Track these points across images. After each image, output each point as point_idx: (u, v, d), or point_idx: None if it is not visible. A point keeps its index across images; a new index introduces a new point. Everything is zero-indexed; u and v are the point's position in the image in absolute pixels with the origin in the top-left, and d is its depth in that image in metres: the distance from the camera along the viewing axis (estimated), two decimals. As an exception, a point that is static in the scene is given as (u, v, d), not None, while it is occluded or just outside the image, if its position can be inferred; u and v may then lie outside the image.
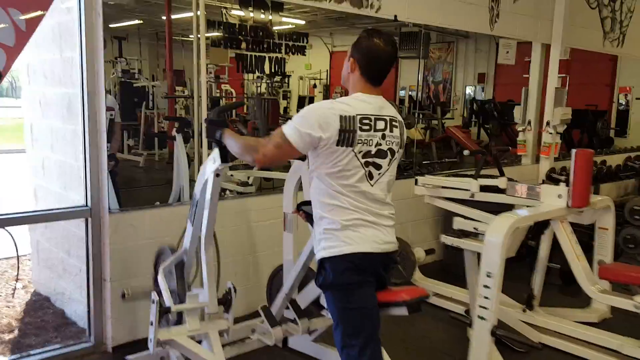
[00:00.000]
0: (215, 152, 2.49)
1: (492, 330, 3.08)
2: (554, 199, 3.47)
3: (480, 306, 3.13)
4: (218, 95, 8.33)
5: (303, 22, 9.41)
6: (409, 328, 3.86)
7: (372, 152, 2.15)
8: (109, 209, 3.23)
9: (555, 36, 5.90)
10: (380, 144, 2.18)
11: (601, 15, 6.57)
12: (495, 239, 3.09)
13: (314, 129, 2.07)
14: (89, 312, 3.32)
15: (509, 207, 3.65)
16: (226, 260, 3.71)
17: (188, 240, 2.81)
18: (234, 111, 7.92)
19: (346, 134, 2.08)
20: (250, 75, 9.36)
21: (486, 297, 3.12)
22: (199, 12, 3.57)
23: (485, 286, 3.12)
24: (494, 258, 3.09)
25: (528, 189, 3.60)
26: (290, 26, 9.59)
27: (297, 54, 4.30)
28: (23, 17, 2.93)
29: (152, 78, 8.58)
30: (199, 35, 3.64)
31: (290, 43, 4.33)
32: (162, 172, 7.04)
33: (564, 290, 4.42)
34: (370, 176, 2.16)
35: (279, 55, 4.29)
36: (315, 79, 14.31)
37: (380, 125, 2.18)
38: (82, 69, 3.16)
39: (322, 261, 2.19)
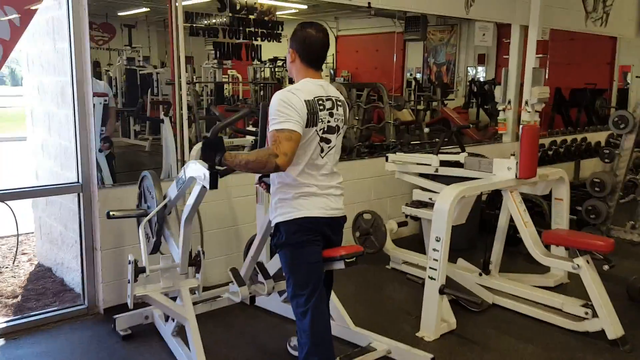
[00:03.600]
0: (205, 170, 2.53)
1: (440, 288, 3.42)
2: (504, 172, 3.77)
3: (430, 267, 3.47)
4: (226, 80, 8.63)
5: (305, 7, 9.68)
6: (377, 291, 4.21)
7: (326, 129, 2.48)
8: (100, 184, 3.60)
9: (533, 18, 6.10)
10: (330, 121, 2.50)
11: (583, -5, 6.76)
12: (443, 206, 3.41)
13: (298, 113, 2.33)
14: (82, 278, 3.72)
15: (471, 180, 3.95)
16: (211, 232, 4.10)
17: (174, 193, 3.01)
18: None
19: (312, 116, 2.40)
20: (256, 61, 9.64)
21: (435, 260, 3.46)
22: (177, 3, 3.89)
23: (434, 249, 3.45)
24: (441, 224, 3.42)
25: (481, 163, 3.89)
26: (292, 11, 9.85)
27: (273, 41, 4.61)
28: (17, 14, 3.28)
29: (161, 65, 8.92)
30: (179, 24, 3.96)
31: (266, 31, 4.63)
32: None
33: (531, 259, 4.71)
34: (321, 150, 2.49)
35: (255, 43, 4.61)
36: (320, 63, 14.52)
37: (329, 104, 2.51)
38: (71, 58, 3.51)
39: (278, 225, 2.54)
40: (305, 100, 2.39)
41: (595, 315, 3.43)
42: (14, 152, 10.84)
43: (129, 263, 2.83)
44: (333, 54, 14.58)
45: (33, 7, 3.35)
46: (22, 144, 5.64)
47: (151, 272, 2.89)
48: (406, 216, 4.28)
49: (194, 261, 2.99)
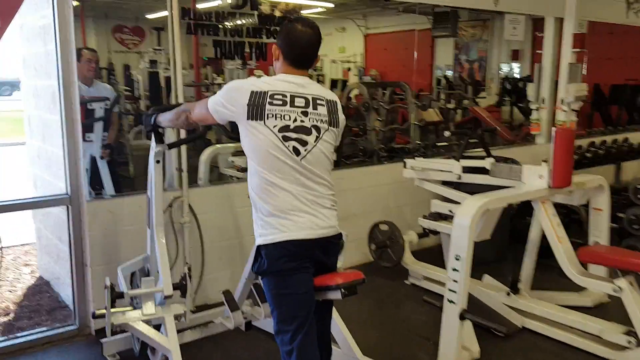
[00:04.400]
0: (153, 139, 2.53)
1: (460, 313, 3.03)
2: (535, 180, 3.36)
3: (450, 289, 3.09)
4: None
5: (332, 5, 9.36)
6: (392, 310, 3.85)
7: (290, 127, 2.15)
8: (92, 195, 3.35)
9: (569, 9, 5.63)
10: (303, 121, 2.18)
11: (625, -15, 6.24)
12: (463, 221, 3.02)
13: (227, 100, 2.19)
14: (73, 296, 3.47)
15: (498, 189, 3.55)
16: (212, 245, 3.81)
17: (148, 247, 2.85)
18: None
19: (255, 108, 2.13)
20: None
21: (455, 281, 3.07)
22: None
23: (454, 269, 3.07)
24: (461, 241, 3.03)
25: (510, 170, 3.49)
26: (318, 9, 9.53)
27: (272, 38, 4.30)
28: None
29: (189, 67, 8.74)
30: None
31: (272, 28, 4.32)
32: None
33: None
34: (296, 151, 2.16)
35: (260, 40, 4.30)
36: (348, 62, 14.21)
37: (300, 102, 2.19)
38: (57, 61, 3.27)
39: (258, 248, 2.21)
40: (252, 91, 2.16)
41: (639, 344, 3.01)
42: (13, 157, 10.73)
43: (105, 287, 2.54)
44: (362, 53, 14.27)
45: (13, 7, 3.11)
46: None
47: (131, 297, 2.60)
48: (424, 230, 3.90)
49: (179, 284, 2.68)
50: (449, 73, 12.42)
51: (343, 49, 14.82)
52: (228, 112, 2.20)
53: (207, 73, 8.97)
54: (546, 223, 3.31)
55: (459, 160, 3.70)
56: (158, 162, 2.61)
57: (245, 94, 2.14)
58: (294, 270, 2.16)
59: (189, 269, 2.74)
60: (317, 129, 2.21)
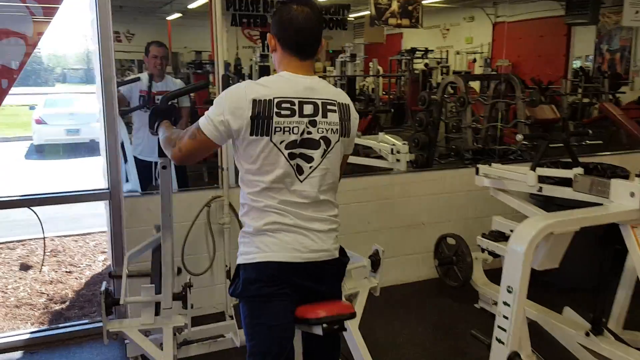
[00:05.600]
0: None
1: (510, 356, 2.51)
2: (624, 198, 2.70)
3: (499, 326, 2.57)
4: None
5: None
6: (450, 340, 3.37)
7: (297, 142, 1.81)
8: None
9: None
10: (310, 132, 1.82)
11: None
12: (517, 246, 2.48)
13: (226, 116, 1.77)
14: (113, 290, 3.43)
15: (586, 206, 2.93)
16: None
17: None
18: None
19: (260, 121, 1.76)
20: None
21: (505, 317, 2.54)
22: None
23: (505, 303, 2.54)
24: (515, 270, 2.49)
25: (592, 184, 2.85)
26: (440, -1, 8.97)
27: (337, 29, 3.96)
28: (41, 9, 3.05)
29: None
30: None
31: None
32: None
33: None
34: (299, 170, 1.83)
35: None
36: (474, 53, 13.39)
37: (308, 109, 1.82)
38: (99, 57, 3.23)
39: (237, 267, 1.94)
40: (253, 100, 1.75)
41: None
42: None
43: (100, 293, 2.42)
44: (489, 43, 13.33)
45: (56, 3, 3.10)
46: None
47: (127, 304, 2.45)
48: (482, 250, 3.35)
49: (180, 295, 2.48)
50: (586, 63, 11.15)
51: (470, 39, 13.96)
52: (232, 128, 1.78)
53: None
54: (635, 253, 2.65)
55: (534, 169, 3.11)
56: (164, 167, 2.40)
57: (247, 104, 1.76)
58: (269, 297, 1.85)
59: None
60: (327, 141, 1.86)
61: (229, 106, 1.77)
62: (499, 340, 2.55)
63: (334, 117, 1.87)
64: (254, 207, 1.85)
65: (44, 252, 4.49)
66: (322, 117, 1.85)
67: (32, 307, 3.79)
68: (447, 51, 12.90)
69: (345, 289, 2.80)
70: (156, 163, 4.12)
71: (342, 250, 2.04)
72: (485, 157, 5.11)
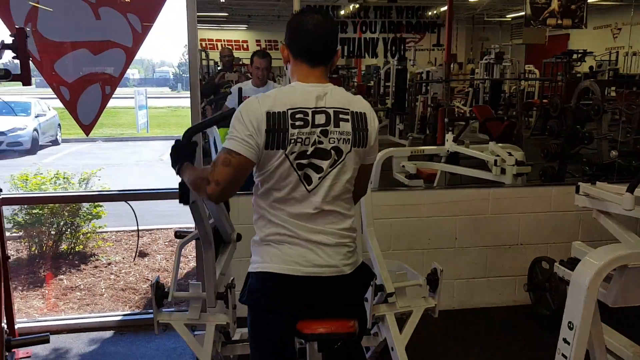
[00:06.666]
0: None
1: (568, 403, 2.20)
2: None
3: (558, 367, 2.26)
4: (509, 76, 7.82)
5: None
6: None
7: (308, 152, 1.75)
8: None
9: None
10: (322, 142, 1.76)
11: None
12: (581, 279, 2.17)
13: (250, 129, 1.71)
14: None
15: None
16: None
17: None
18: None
19: (275, 134, 1.71)
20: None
21: (564, 356, 2.23)
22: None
23: (565, 340, 2.24)
24: (577, 305, 2.19)
25: (698, 212, 2.38)
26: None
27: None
28: (139, 21, 3.34)
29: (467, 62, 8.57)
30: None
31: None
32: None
33: None
34: (307, 180, 1.77)
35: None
36: (651, 54, 11.94)
37: (320, 119, 1.76)
38: (188, 59, 3.45)
39: (247, 275, 1.94)
40: (267, 112, 1.71)
41: None
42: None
43: (151, 286, 2.58)
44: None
45: (154, 14, 3.37)
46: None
47: (175, 299, 2.59)
48: (559, 279, 2.96)
49: (222, 294, 2.55)
50: None
51: (647, 38, 12.51)
52: (255, 140, 1.71)
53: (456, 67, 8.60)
54: None
55: (632, 192, 2.68)
56: (193, 202, 2.42)
57: (262, 117, 1.71)
58: (266, 308, 1.82)
59: (232, 281, 2.59)
60: (338, 151, 1.79)
61: (249, 120, 1.72)
62: (558, 383, 2.25)
63: (346, 127, 1.79)
64: (263, 216, 1.84)
65: (137, 242, 4.91)
66: (334, 126, 1.77)
67: (134, 292, 4.16)
68: (616, 52, 11.69)
69: (397, 307, 2.67)
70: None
71: (362, 267, 1.95)
72: (609, 174, 4.53)
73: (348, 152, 1.79)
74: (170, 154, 1.97)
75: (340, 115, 1.78)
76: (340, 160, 1.79)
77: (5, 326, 3.06)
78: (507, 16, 7.07)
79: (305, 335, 1.80)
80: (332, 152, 1.77)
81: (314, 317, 1.82)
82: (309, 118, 1.74)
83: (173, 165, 1.96)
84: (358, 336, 1.92)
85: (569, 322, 2.22)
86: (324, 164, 1.77)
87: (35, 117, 12.98)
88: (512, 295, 3.83)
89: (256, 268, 1.84)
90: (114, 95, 3.37)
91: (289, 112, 1.73)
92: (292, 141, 1.72)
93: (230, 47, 5.18)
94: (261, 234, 1.84)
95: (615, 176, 4.56)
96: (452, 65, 8.85)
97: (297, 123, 1.73)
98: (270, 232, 1.81)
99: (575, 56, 9.72)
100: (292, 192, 1.77)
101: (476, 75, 7.53)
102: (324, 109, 1.77)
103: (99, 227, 4.98)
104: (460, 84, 7.70)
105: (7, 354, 2.89)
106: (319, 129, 1.75)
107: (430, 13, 7.80)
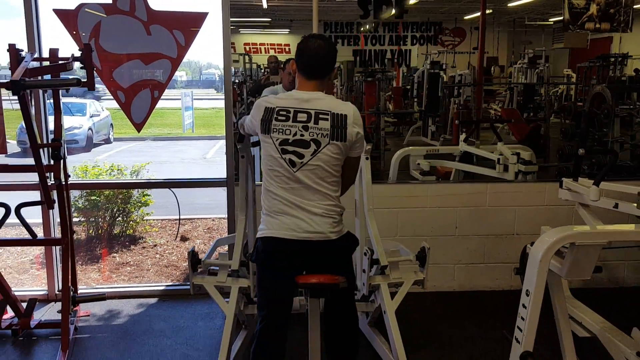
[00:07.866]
0: None
1: (522, 355, 2.64)
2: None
3: (517, 327, 2.71)
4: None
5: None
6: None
7: (290, 141, 2.33)
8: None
9: None
10: (303, 135, 2.33)
11: None
12: (536, 253, 2.61)
13: (253, 116, 2.45)
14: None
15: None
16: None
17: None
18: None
19: (265, 123, 2.36)
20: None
21: (522, 318, 2.68)
22: None
23: (523, 305, 2.68)
24: (531, 275, 2.63)
25: (644, 200, 2.78)
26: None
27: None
28: (183, 35, 3.94)
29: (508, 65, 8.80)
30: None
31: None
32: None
33: None
34: (292, 163, 2.34)
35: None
36: None
37: (302, 117, 2.34)
38: (224, 63, 4.01)
39: (256, 239, 2.49)
40: (266, 107, 2.38)
41: None
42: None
43: (188, 253, 3.15)
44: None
45: (195, 30, 3.96)
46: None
47: (205, 266, 3.14)
48: None
49: (244, 262, 3.10)
50: None
51: None
52: (254, 125, 2.46)
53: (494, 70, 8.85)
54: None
55: (597, 185, 3.09)
56: (242, 157, 3.07)
57: (261, 110, 2.39)
58: (269, 264, 2.40)
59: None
60: (317, 142, 2.34)
61: (257, 110, 2.43)
62: (517, 340, 2.70)
63: (324, 124, 2.33)
64: (266, 190, 2.41)
65: (179, 225, 5.52)
66: (314, 123, 2.33)
67: (175, 268, 4.78)
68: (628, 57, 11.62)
69: (390, 278, 3.16)
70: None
71: (347, 235, 2.47)
72: (620, 175, 4.85)
73: (327, 144, 2.33)
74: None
75: (321, 115, 2.34)
76: (319, 149, 2.33)
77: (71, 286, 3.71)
78: (550, 20, 7.24)
79: (300, 285, 2.33)
80: (312, 143, 2.33)
81: (311, 272, 2.36)
82: (291, 115, 2.34)
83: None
84: (348, 290, 2.45)
85: (527, 290, 2.66)
86: (306, 152, 2.33)
87: (90, 117, 13.99)
88: (508, 281, 4.25)
89: (262, 234, 2.41)
90: (161, 98, 3.98)
91: (277, 109, 2.36)
92: (275, 130, 2.34)
93: (273, 51, 5.66)
94: (265, 206, 2.41)
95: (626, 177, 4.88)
96: (492, 69, 9.16)
97: (280, 117, 2.34)
98: (271, 204, 2.38)
99: (612, 60, 9.85)
100: (282, 171, 2.34)
101: (513, 80, 7.83)
102: (306, 110, 2.35)
103: (147, 214, 5.63)
104: (498, 87, 7.94)
105: (72, 307, 3.53)
106: (300, 124, 2.33)
107: (466, 18, 8.12)
